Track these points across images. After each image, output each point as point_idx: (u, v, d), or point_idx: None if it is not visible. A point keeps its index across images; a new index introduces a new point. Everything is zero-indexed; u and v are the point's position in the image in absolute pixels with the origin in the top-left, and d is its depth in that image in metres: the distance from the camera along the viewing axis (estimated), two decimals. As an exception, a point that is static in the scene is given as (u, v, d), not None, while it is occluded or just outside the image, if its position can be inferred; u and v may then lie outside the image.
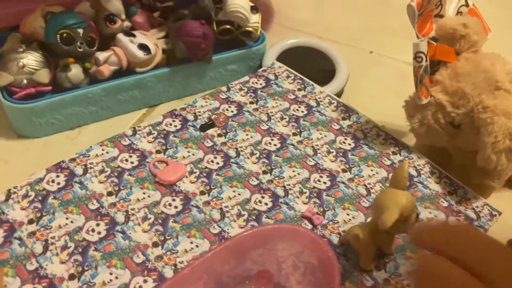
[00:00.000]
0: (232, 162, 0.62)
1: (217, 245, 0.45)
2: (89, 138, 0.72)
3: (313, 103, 0.72)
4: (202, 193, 0.57)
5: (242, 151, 0.63)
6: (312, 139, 0.66)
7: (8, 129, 0.75)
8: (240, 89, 0.73)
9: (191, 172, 0.59)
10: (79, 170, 0.58)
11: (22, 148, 0.73)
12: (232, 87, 0.73)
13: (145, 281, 0.48)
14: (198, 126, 0.66)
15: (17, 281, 0.47)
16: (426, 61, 0.60)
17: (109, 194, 0.55)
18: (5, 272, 0.47)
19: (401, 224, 0.48)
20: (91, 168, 0.58)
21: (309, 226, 0.55)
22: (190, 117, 0.67)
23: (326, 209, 0.57)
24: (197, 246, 0.52)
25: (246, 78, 0.75)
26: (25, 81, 0.71)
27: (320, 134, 0.67)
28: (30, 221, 0.52)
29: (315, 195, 0.59)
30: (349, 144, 0.66)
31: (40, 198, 0.54)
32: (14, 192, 0.54)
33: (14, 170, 0.69)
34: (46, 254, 0.49)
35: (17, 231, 0.51)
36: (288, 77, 0.76)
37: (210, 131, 0.66)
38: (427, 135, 0.63)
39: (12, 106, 0.70)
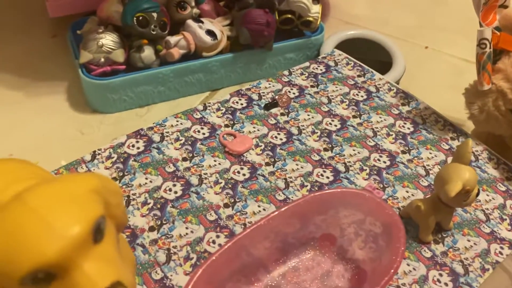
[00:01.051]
0: (294, 139, 0.65)
1: (282, 206, 0.48)
2: (157, 116, 0.77)
3: (372, 89, 0.74)
4: (267, 164, 0.61)
5: (303, 129, 0.66)
6: (371, 121, 0.69)
7: (84, 104, 0.82)
8: (301, 74, 0.76)
9: (257, 145, 0.63)
10: (156, 138, 0.62)
11: (96, 122, 0.79)
12: (293, 71, 0.77)
13: (218, 236, 0.52)
14: (262, 105, 0.70)
15: (103, 229, 0.52)
16: (490, 48, 0.61)
17: (184, 159, 0.60)
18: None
19: (462, 197, 0.50)
20: (167, 136, 0.63)
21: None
22: (255, 96, 0.71)
23: (386, 185, 0.60)
24: (264, 209, 0.55)
25: (307, 64, 0.79)
26: (102, 60, 0.76)
27: (380, 117, 0.69)
28: (113, 179, 0.57)
29: (375, 172, 0.61)
30: (408, 128, 0.68)
31: (122, 160, 0.59)
32: (99, 154, 0.60)
33: (89, 140, 0.75)
34: (128, 208, 0.54)
35: (102, 187, 0.56)
36: (347, 64, 0.79)
37: (274, 110, 0.69)
38: (486, 122, 0.65)
39: (90, 81, 0.76)
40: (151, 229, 0.52)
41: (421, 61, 0.96)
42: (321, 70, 0.78)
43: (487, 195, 0.61)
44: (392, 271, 0.42)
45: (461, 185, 0.48)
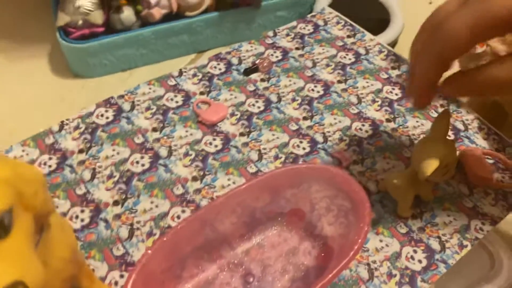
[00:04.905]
0: (273, 107, 0.62)
1: (251, 178, 0.46)
2: (140, 80, 0.74)
3: (362, 50, 0.70)
4: (241, 134, 0.58)
5: (283, 96, 0.63)
6: (357, 87, 0.65)
7: (66, 69, 0.80)
8: (287, 35, 0.72)
9: (232, 114, 0.60)
10: (126, 106, 0.60)
11: (77, 87, 0.77)
12: (279, 32, 0.72)
13: (183, 211, 0.51)
14: (242, 70, 0.66)
15: (67, 203, 0.51)
16: (485, 6, 0.56)
17: (154, 130, 0.58)
18: (57, 195, 0.51)
19: (441, 172, 0.47)
20: (138, 105, 0.60)
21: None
22: (235, 60, 0.68)
23: (366, 157, 0.57)
24: (234, 182, 0.53)
25: (294, 23, 0.74)
26: (80, 22, 0.73)
27: (367, 82, 0.65)
28: (80, 151, 0.55)
29: (355, 143, 0.58)
30: (396, 94, 0.64)
31: (90, 130, 0.57)
32: (67, 124, 0.58)
33: (69, 106, 0.73)
34: (93, 181, 0.53)
35: (68, 159, 0.54)
36: (338, 23, 0.74)
37: (254, 76, 0.66)
38: (480, 87, 0.60)
39: (68, 45, 0.73)
40: (115, 203, 0.51)
41: (424, 18, 0.89)
42: (308, 30, 0.73)
43: (475, 166, 0.57)
44: (352, 253, 0.40)
45: (437, 162, 0.45)
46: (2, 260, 0.24)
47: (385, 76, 0.66)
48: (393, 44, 0.82)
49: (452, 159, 0.47)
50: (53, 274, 0.31)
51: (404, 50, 0.78)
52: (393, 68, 0.68)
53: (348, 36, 0.72)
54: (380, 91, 0.64)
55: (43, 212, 0.30)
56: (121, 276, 0.46)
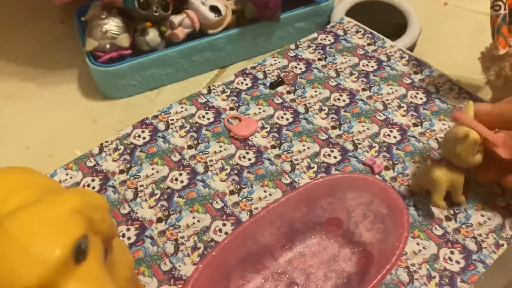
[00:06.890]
0: (301, 118, 0.64)
1: (290, 192, 0.48)
2: (167, 98, 0.77)
3: (383, 57, 0.71)
4: (273, 147, 0.60)
5: (311, 107, 0.65)
6: (382, 94, 0.66)
7: (95, 91, 0.82)
8: (309, 46, 0.74)
9: (263, 128, 0.62)
10: (161, 126, 0.63)
11: (107, 109, 0.80)
12: (300, 44, 0.74)
13: (224, 224, 0.53)
14: (267, 84, 0.68)
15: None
16: (505, 9, 0.57)
17: (189, 147, 0.60)
18: (103, 215, 0.53)
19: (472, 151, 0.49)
20: (172, 124, 0.63)
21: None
22: (260, 75, 0.70)
23: (396, 162, 0.58)
24: (270, 194, 0.55)
25: (315, 35, 0.76)
26: (108, 46, 0.76)
27: (391, 88, 0.67)
28: (121, 171, 0.58)
29: (384, 149, 0.60)
30: (421, 98, 0.65)
31: (128, 151, 0.60)
32: (106, 146, 0.61)
33: (102, 128, 0.76)
34: (136, 200, 0.55)
35: (110, 180, 0.57)
36: (357, 32, 0.75)
37: (279, 89, 0.68)
38: (504, 88, 0.61)
39: (97, 69, 0.76)
40: (159, 220, 0.53)
41: (440, 20, 0.91)
42: (329, 40, 0.75)
43: (504, 166, 0.58)
44: (394, 258, 0.42)
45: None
46: (85, 281, 0.27)
47: (408, 81, 0.68)
48: (412, 48, 0.83)
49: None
50: (119, 293, 0.33)
51: (422, 53, 0.80)
52: (415, 73, 0.69)
53: (369, 44, 0.74)
54: (404, 96, 0.66)
55: (109, 235, 0.32)
56: (171, 290, 0.48)
